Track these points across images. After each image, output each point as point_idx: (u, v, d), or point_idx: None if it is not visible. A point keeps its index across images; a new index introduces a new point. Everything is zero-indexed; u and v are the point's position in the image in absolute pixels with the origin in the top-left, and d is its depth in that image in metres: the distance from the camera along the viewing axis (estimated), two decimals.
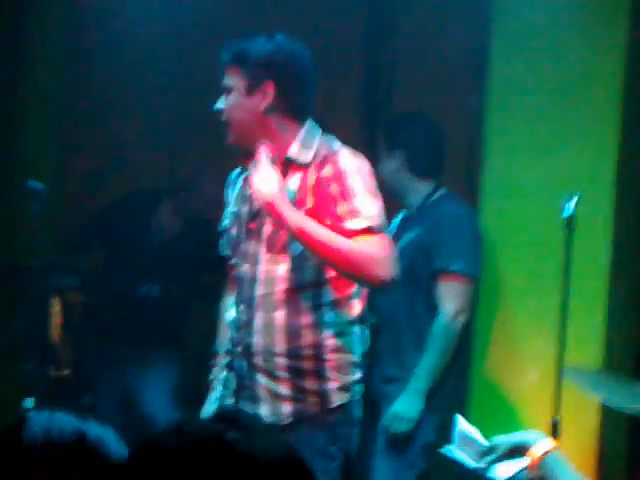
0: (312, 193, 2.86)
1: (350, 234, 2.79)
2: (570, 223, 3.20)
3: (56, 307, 4.66)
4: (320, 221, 2.80)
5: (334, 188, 2.83)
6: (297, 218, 2.77)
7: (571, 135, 3.75)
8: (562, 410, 3.20)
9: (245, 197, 3.01)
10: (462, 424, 2.61)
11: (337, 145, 2.92)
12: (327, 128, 3.02)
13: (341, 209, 2.81)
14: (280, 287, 2.90)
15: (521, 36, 3.81)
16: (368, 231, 2.80)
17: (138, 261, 4.59)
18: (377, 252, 2.77)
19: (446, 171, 3.89)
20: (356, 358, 2.99)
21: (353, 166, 2.85)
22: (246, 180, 2.99)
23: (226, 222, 3.08)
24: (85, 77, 5.12)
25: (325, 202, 2.83)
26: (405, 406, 3.66)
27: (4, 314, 4.71)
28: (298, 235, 2.76)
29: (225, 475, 1.22)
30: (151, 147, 5.11)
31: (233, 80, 2.93)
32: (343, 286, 2.93)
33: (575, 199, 3.19)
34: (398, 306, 3.70)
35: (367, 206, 2.82)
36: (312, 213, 2.83)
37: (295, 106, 2.93)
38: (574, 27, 3.75)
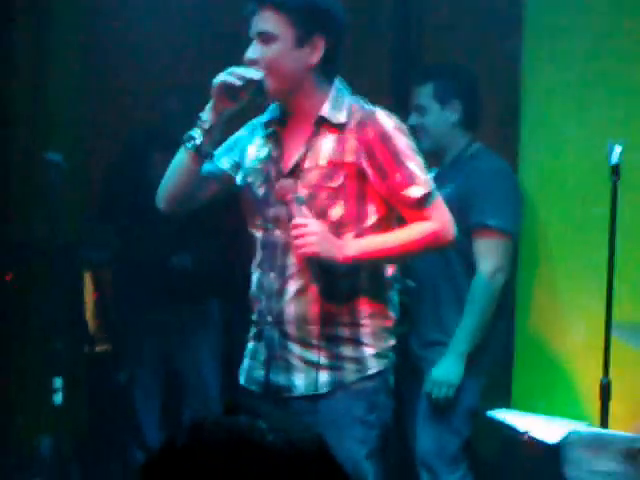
0: (354, 157, 2.75)
1: (410, 201, 2.75)
2: (616, 172, 3.04)
3: (88, 283, 4.60)
4: (369, 185, 2.75)
5: (381, 154, 2.74)
6: (353, 251, 2.73)
7: (615, 78, 3.55)
8: (612, 369, 3.06)
9: (273, 156, 2.86)
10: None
11: (370, 106, 2.81)
12: (355, 87, 2.89)
13: (397, 176, 2.74)
14: None
15: None
16: (425, 197, 2.76)
17: (165, 229, 4.48)
18: (437, 225, 2.77)
19: (483, 124, 3.73)
20: (391, 324, 2.88)
21: (395, 127, 2.77)
22: (271, 136, 2.87)
23: (249, 178, 2.91)
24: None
25: (374, 168, 2.74)
26: (446, 370, 3.53)
27: (34, 292, 4.65)
28: (360, 261, 2.76)
29: (249, 472, 1.09)
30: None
31: (274, 27, 2.75)
32: None
33: (620, 146, 3.02)
34: (435, 267, 3.56)
35: (419, 169, 2.77)
36: (356, 177, 2.75)
37: (334, 63, 2.82)
38: None
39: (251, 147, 2.92)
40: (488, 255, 3.52)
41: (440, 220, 2.78)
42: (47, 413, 4.00)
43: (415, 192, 2.75)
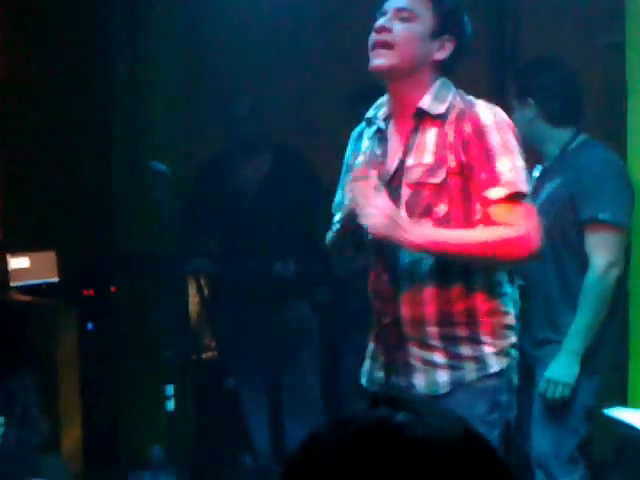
0: (454, 151, 2.69)
1: (489, 203, 2.65)
2: None
3: (193, 292, 4.64)
4: (465, 183, 2.68)
5: (474, 149, 2.67)
6: (417, 237, 2.63)
7: None
8: None
9: (377, 154, 2.84)
10: None
11: (472, 98, 2.77)
12: (454, 80, 2.85)
13: (482, 175, 2.66)
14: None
15: None
16: (507, 199, 2.64)
17: (267, 237, 4.49)
18: (516, 232, 2.62)
19: (588, 116, 3.64)
20: (510, 320, 2.81)
21: (494, 121, 2.68)
22: (380, 137, 2.84)
23: None
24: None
25: (467, 164, 2.68)
26: (560, 370, 3.46)
27: (142, 304, 4.72)
28: (426, 251, 2.67)
29: (400, 467, 1.04)
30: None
31: (419, 7, 2.75)
32: None
33: None
34: (545, 264, 3.48)
35: (508, 169, 2.65)
36: (458, 172, 2.69)
37: (450, 69, 2.80)
38: None
39: (356, 152, 2.92)
40: (601, 250, 3.44)
41: (524, 227, 2.63)
42: (159, 420, 4.05)
43: (495, 194, 2.65)
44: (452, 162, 2.70)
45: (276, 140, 4.69)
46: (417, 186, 2.73)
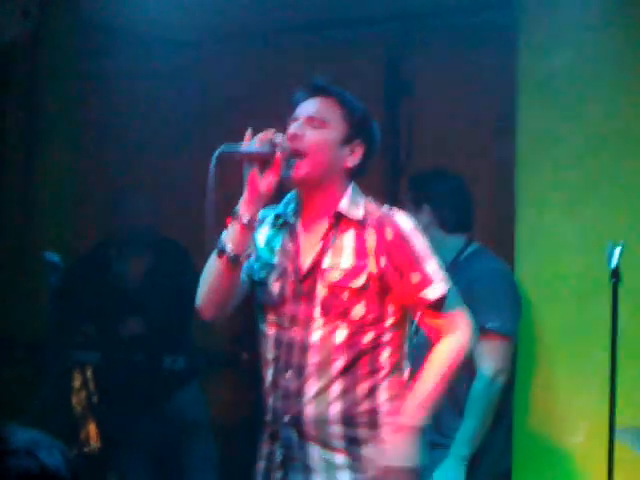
0: (375, 256, 2.74)
1: (427, 303, 2.74)
2: (616, 274, 3.07)
3: (77, 383, 4.53)
4: (389, 285, 2.73)
5: (399, 254, 2.73)
6: (414, 415, 2.73)
7: (607, 182, 3.63)
8: (615, 474, 3.04)
9: (288, 251, 2.83)
10: None
11: (386, 206, 2.83)
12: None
13: (415, 278, 2.73)
14: (338, 354, 2.75)
15: (549, 84, 3.72)
16: (443, 299, 2.74)
17: (153, 331, 4.46)
18: (462, 336, 2.75)
19: (477, 225, 3.77)
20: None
21: (413, 227, 2.77)
22: (289, 231, 2.83)
23: (262, 274, 2.85)
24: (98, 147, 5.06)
25: (394, 269, 2.73)
26: (447, 474, 3.49)
27: (25, 394, 4.58)
28: (426, 417, 2.76)
29: None
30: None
31: (330, 115, 2.79)
32: (398, 347, 2.81)
33: (619, 249, 3.07)
34: None
35: (435, 269, 2.75)
36: (378, 277, 2.73)
37: (358, 174, 2.85)
38: (603, 72, 3.65)
39: (260, 236, 2.88)
40: (488, 358, 3.53)
41: (461, 326, 2.75)
42: None
43: (432, 294, 2.74)
44: (373, 267, 2.74)
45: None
46: (335, 288, 2.74)
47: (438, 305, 2.75)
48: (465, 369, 3.52)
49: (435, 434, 3.58)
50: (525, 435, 3.74)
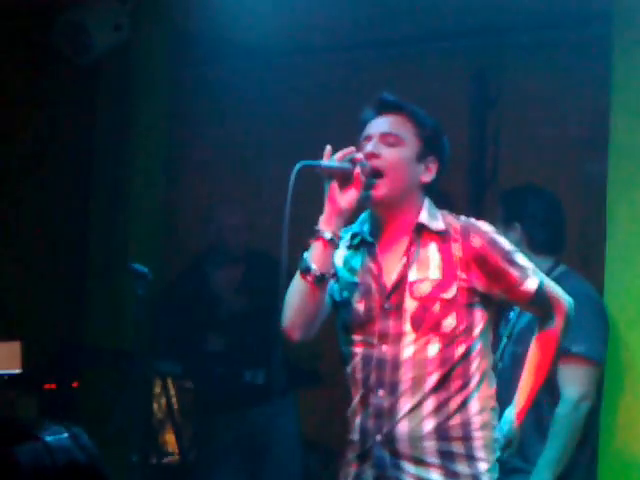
0: (464, 266, 2.73)
1: (529, 295, 2.78)
2: None
3: (159, 394, 4.57)
4: (478, 293, 2.75)
5: (493, 258, 2.75)
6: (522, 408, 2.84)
7: None
8: None
9: (370, 270, 2.80)
10: None
11: (462, 217, 2.83)
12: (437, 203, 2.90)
13: (514, 274, 2.77)
14: (431, 368, 2.72)
15: None
16: (541, 286, 2.79)
17: (240, 345, 4.46)
18: (559, 321, 2.82)
19: (567, 246, 3.69)
20: (498, 434, 2.81)
21: (494, 230, 2.82)
22: (369, 250, 2.80)
23: (345, 294, 2.82)
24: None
25: (487, 275, 2.75)
26: None
27: (111, 401, 4.63)
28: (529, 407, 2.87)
29: None
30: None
31: (404, 132, 2.78)
32: (485, 355, 2.79)
33: None
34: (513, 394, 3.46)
35: (525, 261, 2.81)
36: (467, 287, 2.74)
37: (435, 185, 2.85)
38: None
39: (337, 258, 2.83)
40: (574, 383, 3.45)
41: (558, 309, 2.81)
42: None
43: (531, 285, 2.77)
44: (462, 278, 2.73)
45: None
46: (425, 301, 2.72)
47: (538, 292, 2.78)
48: (549, 394, 3.48)
49: (518, 459, 3.51)
50: (611, 462, 3.64)
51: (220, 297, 4.59)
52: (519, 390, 2.86)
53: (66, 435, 1.39)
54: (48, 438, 1.37)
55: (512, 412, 2.86)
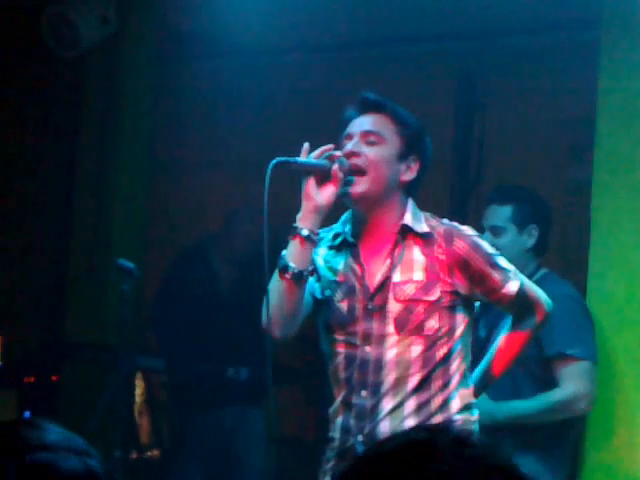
0: (447, 269, 2.75)
1: (511, 296, 2.82)
2: None
3: (139, 389, 4.56)
4: (460, 296, 2.78)
5: (476, 261, 2.78)
6: None
7: None
8: None
9: (353, 270, 2.80)
10: None
11: (445, 220, 2.86)
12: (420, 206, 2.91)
13: (496, 277, 2.80)
14: (414, 369, 2.75)
15: (628, 106, 3.66)
16: (522, 287, 2.84)
17: (221, 339, 4.46)
18: (540, 316, 2.88)
19: (550, 251, 3.72)
20: (478, 434, 2.81)
21: (476, 235, 2.86)
22: (351, 251, 2.81)
23: (327, 292, 2.83)
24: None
25: (469, 278, 2.77)
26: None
27: (92, 396, 4.62)
28: None
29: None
30: None
31: (385, 131, 2.79)
32: (465, 356, 2.83)
33: None
34: (505, 395, 3.48)
35: (506, 262, 2.85)
36: (450, 290, 2.76)
37: (415, 189, 2.87)
38: None
39: (318, 258, 2.84)
40: (571, 381, 3.46)
41: (538, 310, 2.87)
42: None
43: (513, 287, 2.81)
44: (445, 280, 2.75)
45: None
46: (409, 302, 2.74)
47: (520, 293, 2.83)
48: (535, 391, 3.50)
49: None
50: (596, 460, 3.67)
51: (218, 292, 4.60)
52: (478, 376, 2.91)
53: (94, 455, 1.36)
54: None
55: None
